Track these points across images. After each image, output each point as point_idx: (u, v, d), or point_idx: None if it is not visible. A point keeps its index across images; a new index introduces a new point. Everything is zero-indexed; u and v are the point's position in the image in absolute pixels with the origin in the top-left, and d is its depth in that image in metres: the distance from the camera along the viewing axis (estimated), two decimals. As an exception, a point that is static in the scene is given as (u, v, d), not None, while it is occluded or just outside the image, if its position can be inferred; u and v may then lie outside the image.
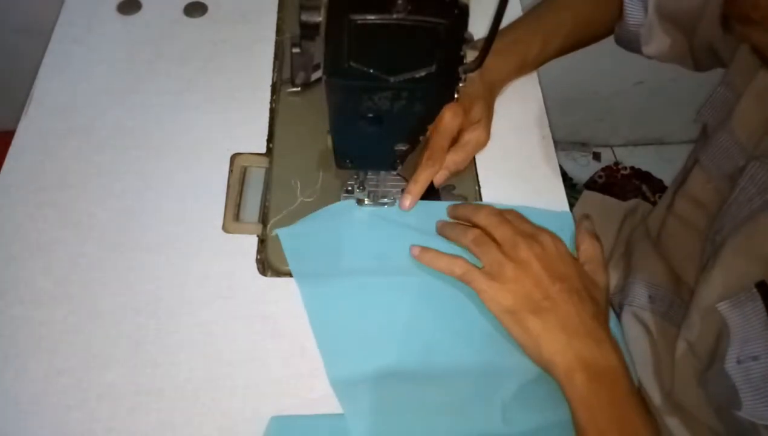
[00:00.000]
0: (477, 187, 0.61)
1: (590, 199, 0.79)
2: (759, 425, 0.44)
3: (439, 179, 0.57)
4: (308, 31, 0.40)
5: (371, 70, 0.40)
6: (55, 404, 0.48)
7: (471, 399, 0.49)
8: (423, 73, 0.41)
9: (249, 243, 0.56)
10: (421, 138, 0.50)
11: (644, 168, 0.86)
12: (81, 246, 0.55)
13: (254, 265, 0.55)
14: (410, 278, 0.54)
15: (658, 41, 0.63)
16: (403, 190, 0.56)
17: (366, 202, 0.57)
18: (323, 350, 0.50)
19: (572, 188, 0.93)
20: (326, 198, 0.58)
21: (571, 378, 0.45)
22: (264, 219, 0.58)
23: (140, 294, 0.53)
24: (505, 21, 0.47)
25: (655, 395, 0.59)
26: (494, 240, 0.51)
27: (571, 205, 0.61)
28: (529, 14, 0.68)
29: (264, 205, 0.59)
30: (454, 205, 0.57)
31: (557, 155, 0.63)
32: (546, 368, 0.47)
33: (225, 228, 0.57)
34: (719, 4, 0.42)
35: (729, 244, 0.49)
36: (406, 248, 0.54)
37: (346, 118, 0.47)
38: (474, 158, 0.62)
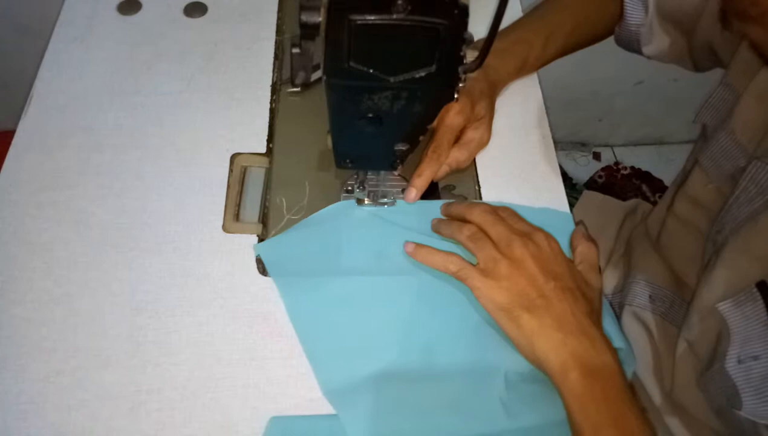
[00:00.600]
0: (477, 187, 0.61)
1: (590, 199, 0.79)
2: (759, 424, 0.44)
3: (439, 174, 0.57)
4: (308, 31, 0.40)
5: (371, 71, 0.40)
6: (55, 404, 0.48)
7: (471, 397, 0.49)
8: (423, 74, 0.41)
9: (249, 243, 0.56)
10: (421, 138, 0.50)
11: (644, 168, 0.86)
12: (81, 246, 0.55)
13: (254, 265, 0.55)
14: (408, 277, 0.54)
15: (658, 41, 0.63)
16: (403, 190, 0.56)
17: (366, 202, 0.57)
18: (313, 364, 0.50)
19: (572, 188, 0.93)
20: (325, 199, 0.58)
21: (566, 375, 0.45)
22: (264, 219, 0.58)
23: (140, 294, 0.53)
24: (505, 21, 0.47)
25: (655, 395, 0.59)
26: (489, 238, 0.51)
27: (571, 205, 0.61)
28: (530, 14, 0.68)
29: (264, 206, 0.59)
30: (448, 203, 0.57)
31: (557, 155, 0.63)
32: (540, 365, 0.47)
33: (225, 228, 0.57)
34: (718, 2, 0.42)
35: (730, 244, 0.49)
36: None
37: (346, 118, 0.47)
38: (474, 158, 0.62)
